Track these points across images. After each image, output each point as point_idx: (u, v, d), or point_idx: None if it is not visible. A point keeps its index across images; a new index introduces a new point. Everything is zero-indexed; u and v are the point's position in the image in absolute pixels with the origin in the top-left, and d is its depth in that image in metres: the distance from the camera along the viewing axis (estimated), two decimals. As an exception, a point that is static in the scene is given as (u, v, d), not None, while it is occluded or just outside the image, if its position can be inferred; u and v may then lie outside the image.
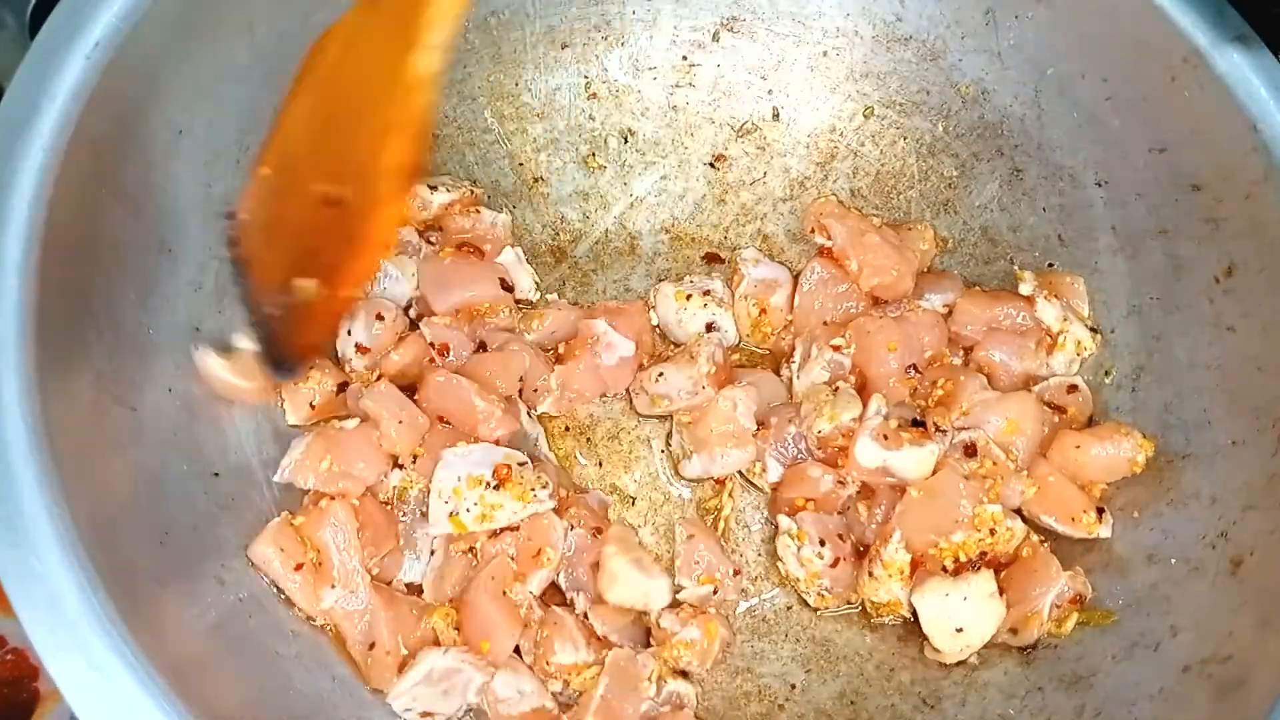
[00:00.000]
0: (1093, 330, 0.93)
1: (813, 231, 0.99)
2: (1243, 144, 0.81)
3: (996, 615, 0.84)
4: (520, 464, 0.85)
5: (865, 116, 1.03)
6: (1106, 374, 0.93)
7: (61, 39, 0.72)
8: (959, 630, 0.84)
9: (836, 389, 0.91)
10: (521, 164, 1.04)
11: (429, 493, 0.84)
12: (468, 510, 0.83)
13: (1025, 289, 0.94)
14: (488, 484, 0.83)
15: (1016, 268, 0.97)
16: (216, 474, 0.80)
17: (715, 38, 1.04)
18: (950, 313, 0.95)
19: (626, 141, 1.05)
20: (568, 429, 0.96)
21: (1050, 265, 0.97)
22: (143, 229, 0.77)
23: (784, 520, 0.90)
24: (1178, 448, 0.86)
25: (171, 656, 0.64)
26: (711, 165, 1.06)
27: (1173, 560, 0.82)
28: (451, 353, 0.91)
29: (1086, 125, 0.92)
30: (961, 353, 0.95)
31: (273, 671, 0.76)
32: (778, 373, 0.97)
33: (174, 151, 0.79)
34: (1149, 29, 0.84)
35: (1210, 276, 0.85)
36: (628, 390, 0.96)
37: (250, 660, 0.75)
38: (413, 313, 0.95)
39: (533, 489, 0.84)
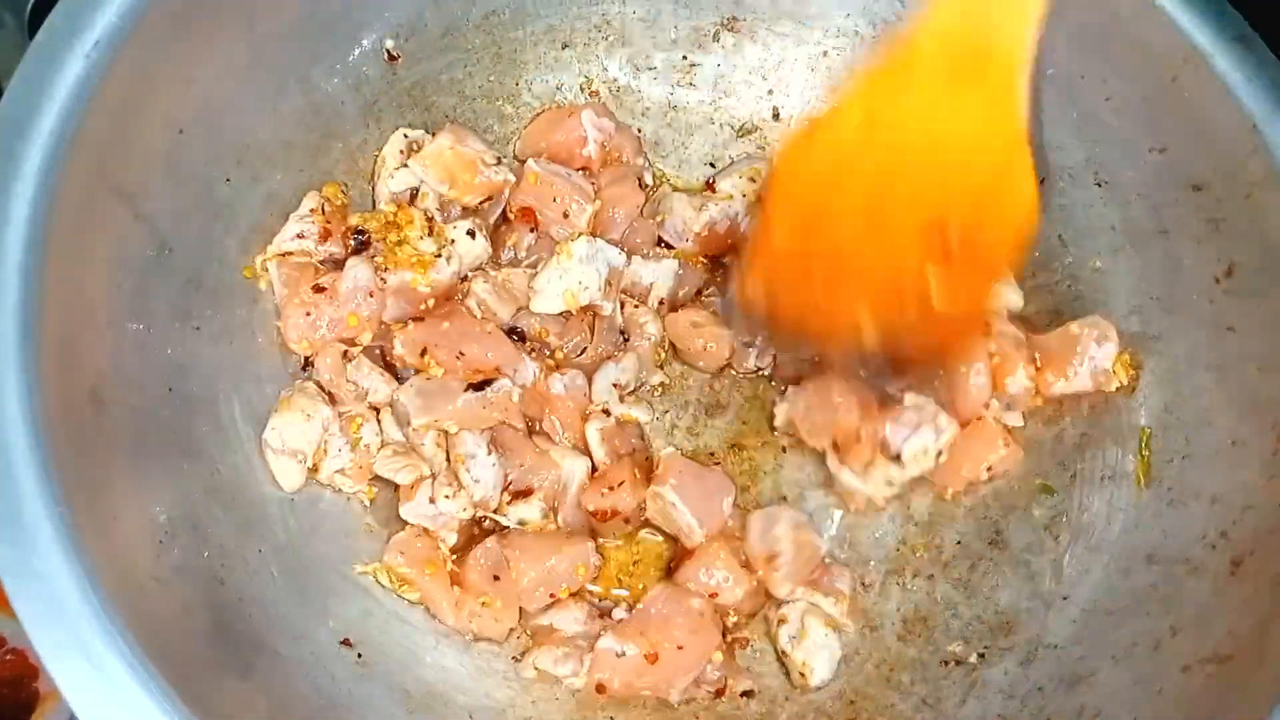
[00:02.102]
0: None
1: None
2: (1243, 144, 0.81)
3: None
4: None
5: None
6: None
7: (61, 38, 0.71)
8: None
9: None
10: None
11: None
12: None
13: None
14: None
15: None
16: (216, 472, 0.80)
17: (715, 38, 1.04)
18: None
19: (627, 141, 1.05)
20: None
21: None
22: (143, 228, 0.77)
23: None
24: (1178, 448, 0.86)
25: (172, 655, 0.64)
26: (711, 165, 1.06)
27: (1172, 560, 0.83)
28: None
29: (1086, 125, 0.92)
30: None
31: (274, 672, 0.76)
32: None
33: (174, 150, 0.79)
34: (1149, 29, 0.84)
35: (1210, 277, 0.85)
36: None
37: (251, 659, 0.75)
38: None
39: None
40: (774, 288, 0.83)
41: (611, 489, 0.89)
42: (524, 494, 0.89)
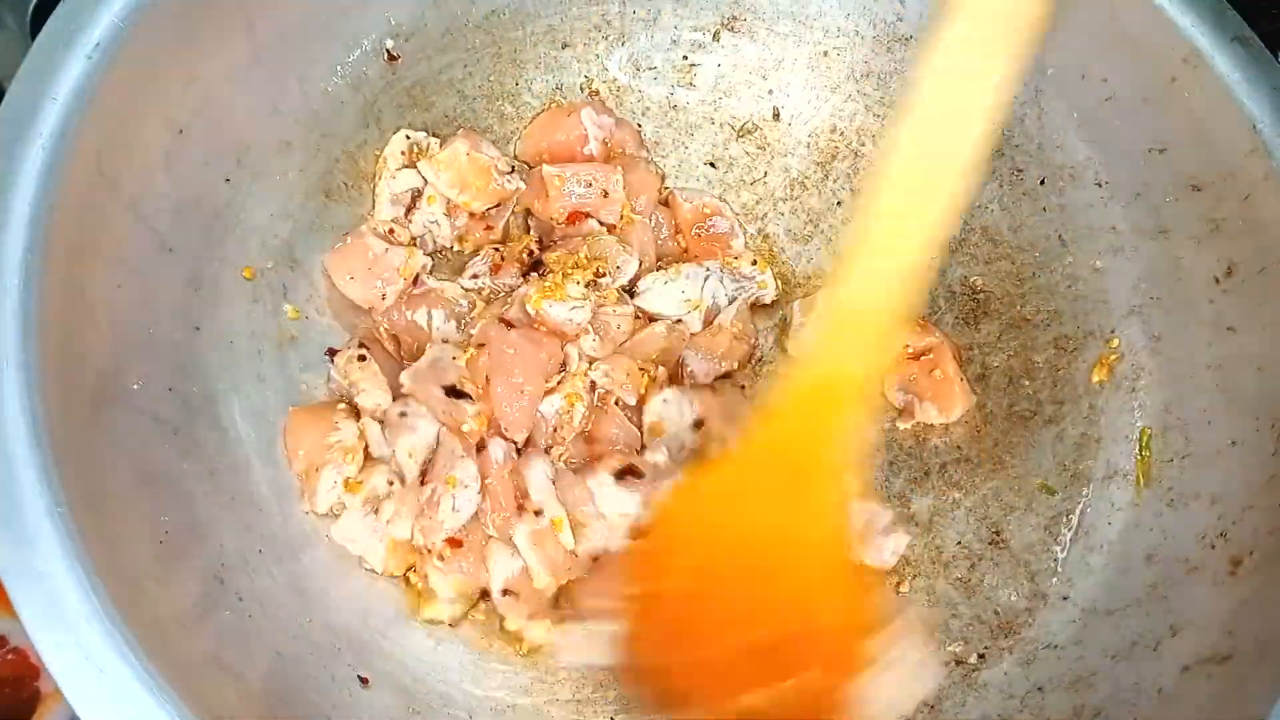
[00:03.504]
0: None
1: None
2: (1243, 144, 0.81)
3: None
4: None
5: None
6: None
7: (62, 39, 0.72)
8: None
9: None
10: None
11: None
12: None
13: None
14: None
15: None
16: (216, 472, 0.80)
17: (716, 37, 1.04)
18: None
19: (627, 141, 1.05)
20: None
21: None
22: (143, 229, 0.77)
23: None
24: (1178, 448, 0.86)
25: (172, 655, 0.64)
26: (711, 165, 1.06)
27: (1172, 560, 0.83)
28: None
29: (1086, 125, 0.92)
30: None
31: (274, 671, 0.76)
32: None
33: (175, 151, 0.79)
34: (1149, 29, 0.84)
35: (1210, 277, 0.85)
36: None
37: (251, 659, 0.75)
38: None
39: None
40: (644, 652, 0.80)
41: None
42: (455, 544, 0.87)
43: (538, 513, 0.86)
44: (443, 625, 0.87)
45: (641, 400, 0.92)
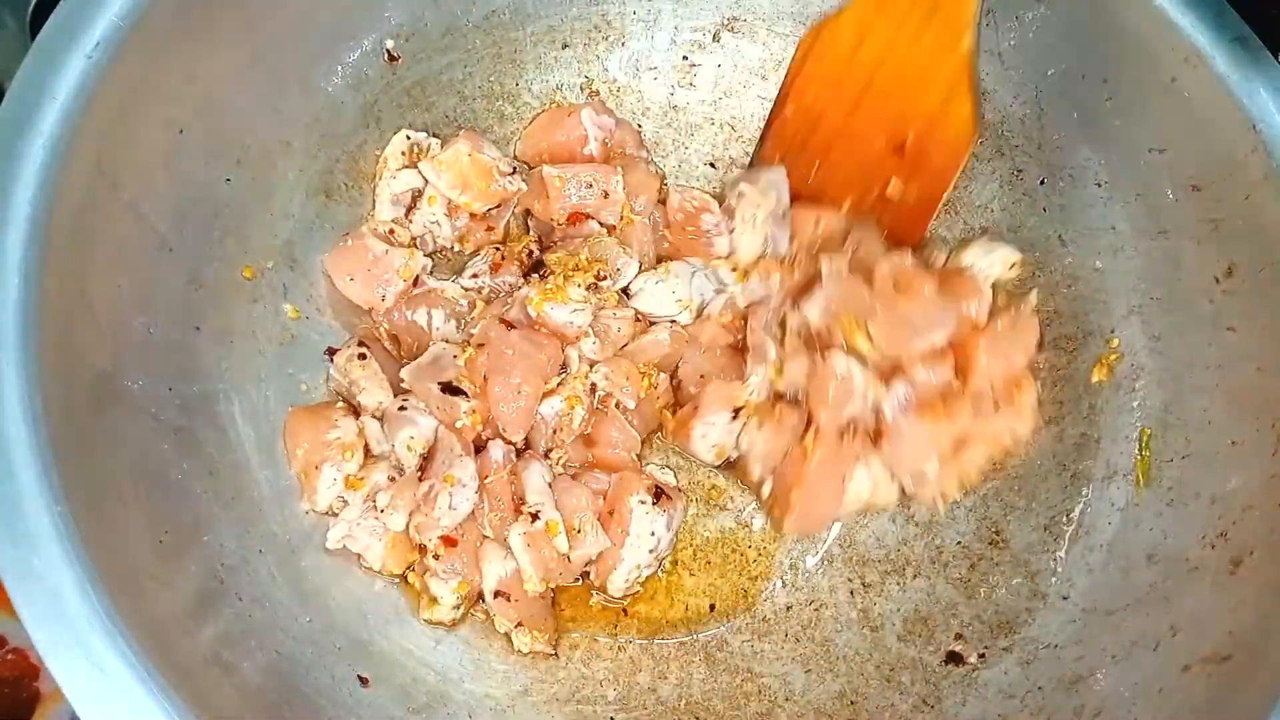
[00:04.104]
0: None
1: None
2: (1242, 144, 0.81)
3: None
4: None
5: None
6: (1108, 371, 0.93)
7: (62, 39, 0.72)
8: None
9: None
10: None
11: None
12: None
13: None
14: None
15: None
16: (216, 472, 0.80)
17: (715, 38, 1.04)
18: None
19: (627, 141, 1.05)
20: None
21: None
22: (144, 228, 0.77)
23: None
24: (1178, 448, 0.86)
25: (172, 655, 0.64)
26: (711, 165, 1.06)
27: (1172, 560, 0.83)
28: None
29: (1086, 125, 0.92)
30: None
31: (273, 670, 0.76)
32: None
33: (175, 150, 0.79)
34: (1149, 30, 0.84)
35: (1210, 277, 0.85)
36: None
37: (251, 658, 0.75)
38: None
39: None
40: (783, 159, 1.00)
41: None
42: (450, 542, 0.87)
43: (534, 515, 0.86)
44: (443, 625, 0.88)
45: (641, 403, 0.93)
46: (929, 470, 0.89)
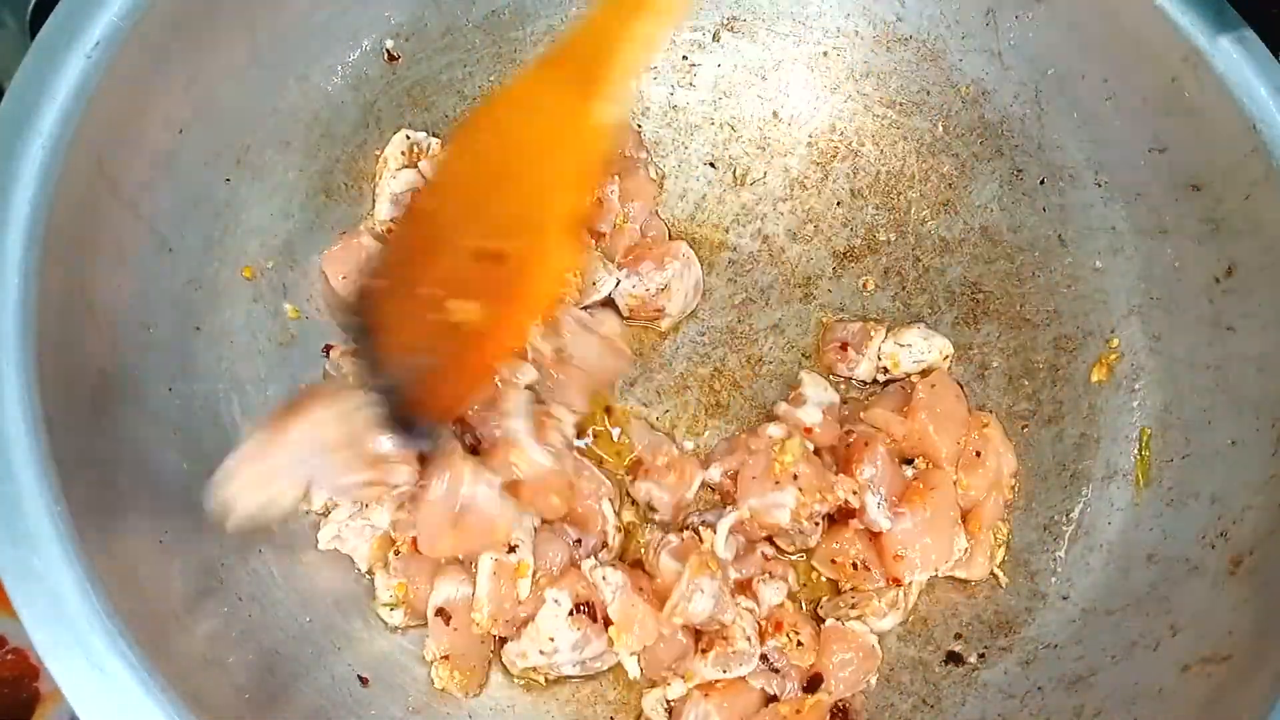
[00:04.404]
0: None
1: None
2: (1242, 144, 0.81)
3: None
4: None
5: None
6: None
7: (62, 38, 0.72)
8: None
9: None
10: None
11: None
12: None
13: None
14: None
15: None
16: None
17: (715, 38, 1.04)
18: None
19: (627, 141, 1.05)
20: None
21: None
22: (143, 228, 0.77)
23: None
24: (1178, 448, 0.86)
25: (171, 654, 0.64)
26: (711, 165, 1.06)
27: (1172, 560, 0.83)
28: None
29: (1086, 125, 0.92)
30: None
31: (273, 671, 0.76)
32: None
33: (175, 150, 0.79)
34: (1149, 29, 0.84)
35: (1210, 277, 0.85)
36: None
37: (250, 659, 0.75)
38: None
39: None
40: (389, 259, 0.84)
41: None
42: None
43: (512, 549, 0.83)
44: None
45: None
46: (957, 548, 0.88)
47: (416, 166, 0.95)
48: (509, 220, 0.75)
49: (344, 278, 0.91)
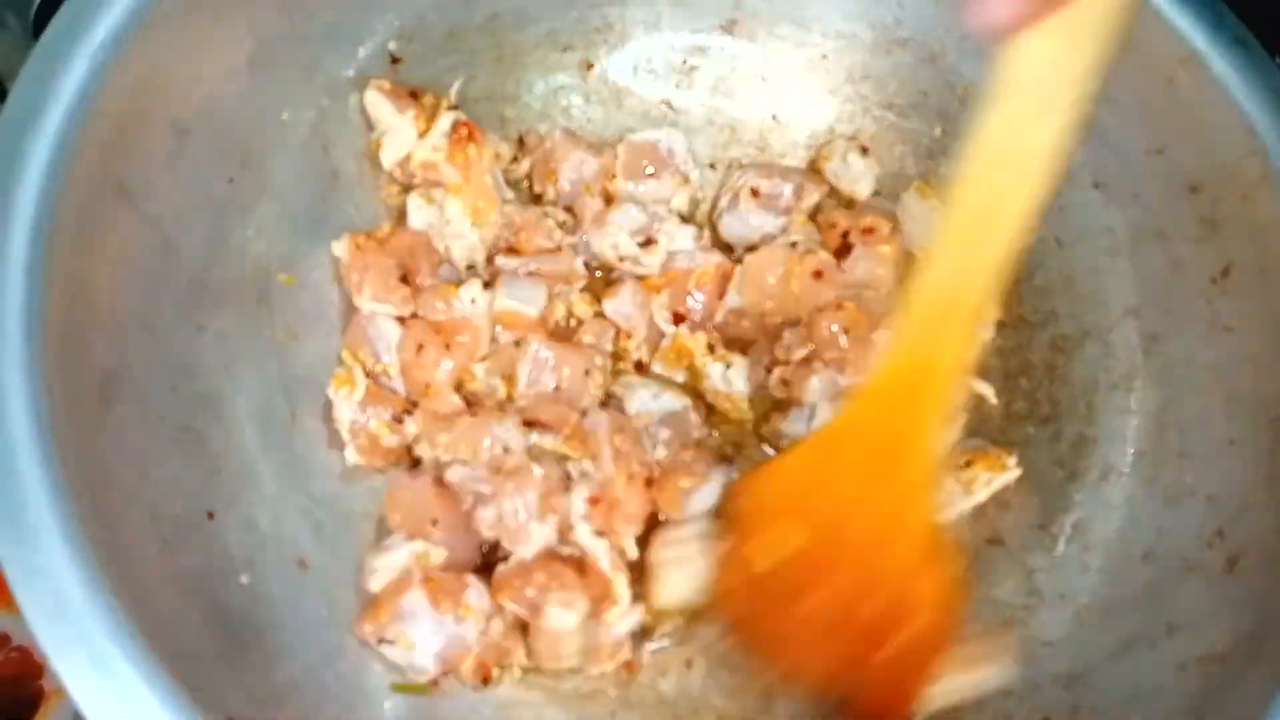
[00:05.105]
0: None
1: None
2: (1240, 146, 0.82)
3: None
4: None
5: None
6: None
7: (65, 39, 0.72)
8: None
9: None
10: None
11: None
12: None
13: None
14: None
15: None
16: (220, 471, 0.80)
17: (716, 40, 1.05)
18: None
19: (627, 143, 1.05)
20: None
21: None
22: (147, 228, 0.77)
23: None
24: (1175, 447, 0.87)
25: (177, 653, 0.64)
26: (711, 167, 1.06)
27: (1169, 559, 0.83)
28: None
29: (1084, 126, 0.92)
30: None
31: (279, 670, 0.76)
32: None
33: (178, 150, 0.79)
34: (1147, 30, 0.84)
35: (1208, 277, 0.85)
36: None
37: (257, 658, 0.75)
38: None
39: None
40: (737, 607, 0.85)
41: None
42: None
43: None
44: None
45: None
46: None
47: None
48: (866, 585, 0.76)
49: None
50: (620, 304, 0.95)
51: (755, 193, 0.98)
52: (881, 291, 0.93)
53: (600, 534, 0.83)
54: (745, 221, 0.99)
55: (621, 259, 0.96)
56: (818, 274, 0.93)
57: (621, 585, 0.84)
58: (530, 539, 0.83)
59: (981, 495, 0.90)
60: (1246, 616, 0.76)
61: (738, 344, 0.96)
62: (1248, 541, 0.78)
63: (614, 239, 0.95)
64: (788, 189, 0.98)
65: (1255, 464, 0.80)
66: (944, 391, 0.73)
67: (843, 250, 0.95)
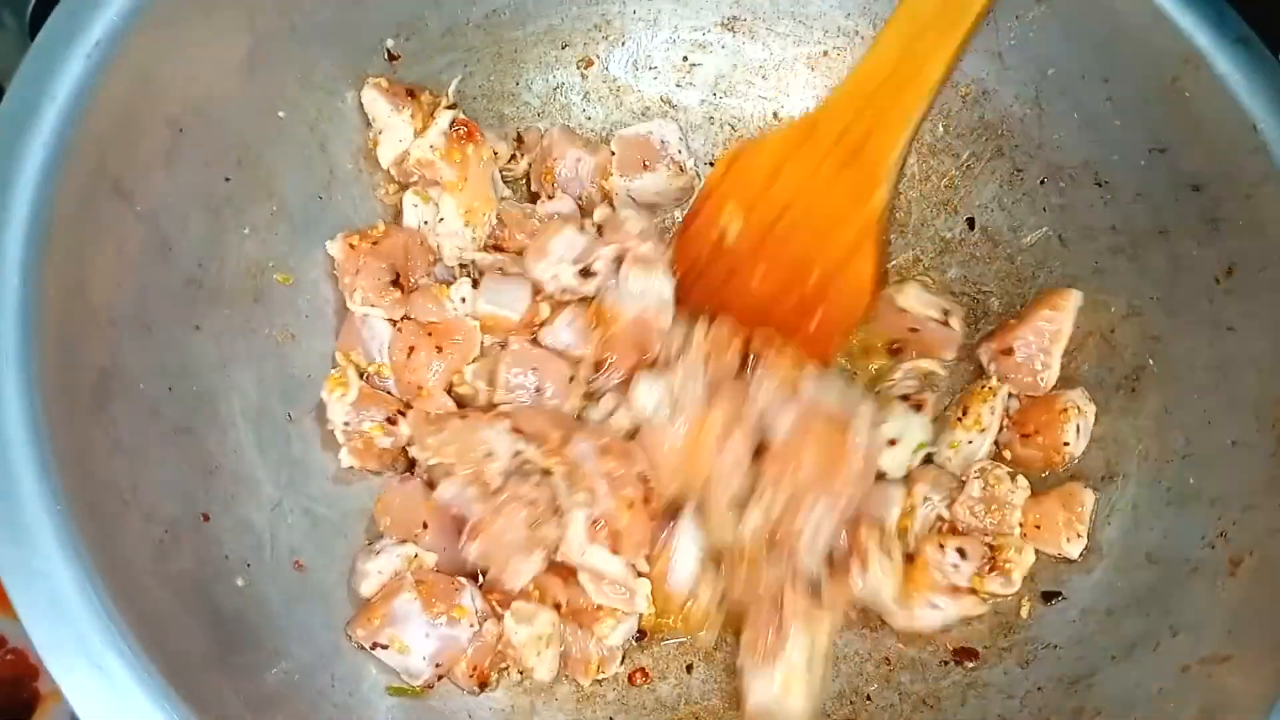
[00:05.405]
0: None
1: None
2: (1243, 144, 0.81)
3: None
4: None
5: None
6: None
7: (62, 38, 0.72)
8: None
9: None
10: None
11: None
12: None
13: None
14: None
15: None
16: (216, 471, 0.80)
17: (715, 37, 1.04)
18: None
19: (627, 142, 1.05)
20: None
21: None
22: (143, 227, 0.77)
23: None
24: (1177, 448, 0.86)
25: (172, 655, 0.64)
26: (711, 165, 1.06)
27: (1172, 560, 0.83)
28: None
29: (1086, 125, 0.92)
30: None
31: (274, 671, 0.76)
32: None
33: (174, 150, 0.79)
34: (1149, 29, 0.84)
35: (1210, 277, 0.85)
36: None
37: (251, 660, 0.75)
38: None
39: None
40: (688, 272, 0.96)
41: None
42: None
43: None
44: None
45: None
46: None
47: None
48: (811, 256, 0.91)
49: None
50: (557, 333, 0.92)
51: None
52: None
53: (615, 552, 0.84)
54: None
55: (564, 290, 0.92)
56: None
57: (643, 593, 0.86)
58: (519, 576, 0.85)
59: (994, 424, 0.93)
60: (1250, 618, 0.75)
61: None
62: (1251, 543, 0.78)
63: (554, 270, 0.92)
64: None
65: (1259, 466, 0.80)
66: (915, 100, 0.86)
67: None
